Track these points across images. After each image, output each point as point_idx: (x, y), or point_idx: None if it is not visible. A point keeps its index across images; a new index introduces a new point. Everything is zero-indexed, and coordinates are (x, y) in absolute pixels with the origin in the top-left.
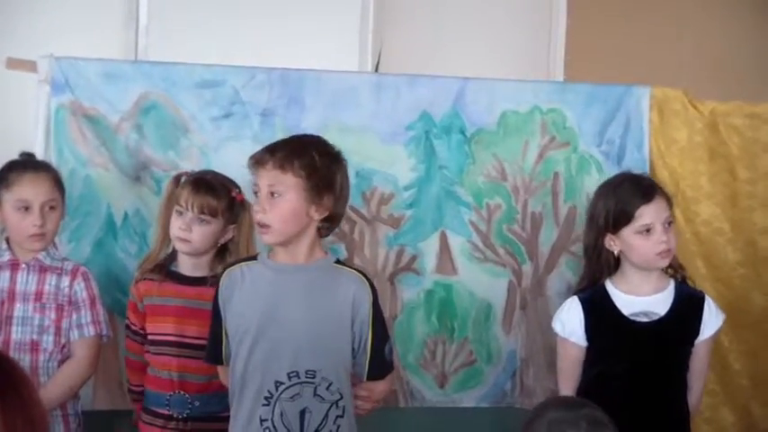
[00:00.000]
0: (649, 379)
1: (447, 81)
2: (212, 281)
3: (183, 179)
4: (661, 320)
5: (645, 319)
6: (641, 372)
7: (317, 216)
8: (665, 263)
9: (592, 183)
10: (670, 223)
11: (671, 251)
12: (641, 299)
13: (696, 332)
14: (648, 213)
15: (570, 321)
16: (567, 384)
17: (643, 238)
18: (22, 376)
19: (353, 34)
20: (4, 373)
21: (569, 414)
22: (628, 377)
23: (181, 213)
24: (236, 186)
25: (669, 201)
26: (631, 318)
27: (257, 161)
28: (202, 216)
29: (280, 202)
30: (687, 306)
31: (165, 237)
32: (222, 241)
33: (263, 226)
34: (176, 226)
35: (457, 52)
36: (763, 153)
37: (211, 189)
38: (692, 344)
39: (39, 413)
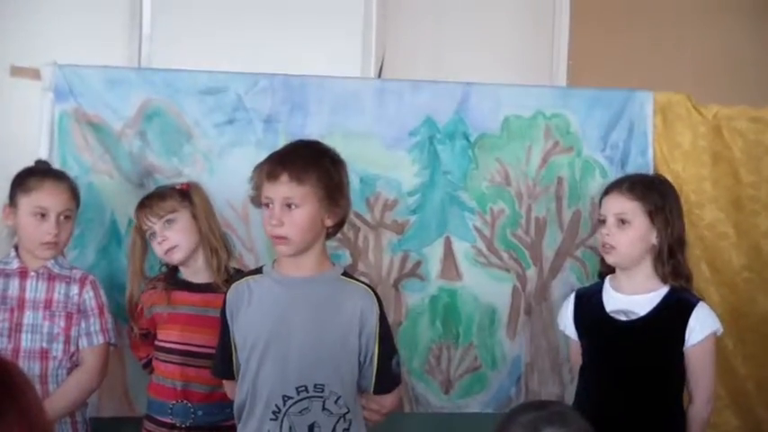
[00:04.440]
0: (629, 378)
1: (450, 86)
2: (223, 285)
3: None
4: (639, 321)
5: (623, 318)
6: (620, 370)
7: (329, 223)
8: (608, 259)
9: (595, 187)
10: (623, 221)
11: (614, 248)
12: (624, 297)
13: (680, 338)
14: (604, 205)
15: (565, 315)
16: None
17: (601, 228)
18: (22, 384)
19: (356, 40)
20: (1, 381)
21: (540, 413)
22: (608, 374)
23: (152, 234)
24: (178, 183)
25: (641, 199)
26: (611, 315)
27: (270, 174)
28: (166, 217)
29: (297, 214)
30: (672, 311)
31: (140, 279)
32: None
33: (280, 238)
34: (157, 248)
35: (460, 58)
36: (766, 156)
37: (155, 195)
38: (675, 349)
39: (39, 422)
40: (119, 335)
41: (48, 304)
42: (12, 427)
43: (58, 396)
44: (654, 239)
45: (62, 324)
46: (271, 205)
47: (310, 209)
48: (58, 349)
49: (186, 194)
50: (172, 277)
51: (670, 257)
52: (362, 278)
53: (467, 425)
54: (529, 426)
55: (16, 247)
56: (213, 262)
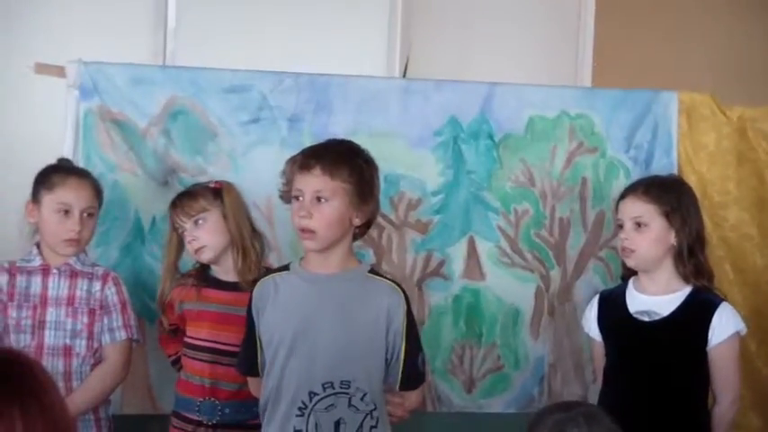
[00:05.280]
0: (653, 379)
1: (475, 86)
2: (247, 285)
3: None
4: (662, 321)
5: (646, 318)
6: (644, 371)
7: (357, 222)
8: (628, 262)
9: (620, 188)
10: (640, 224)
11: (633, 252)
12: (647, 298)
13: (703, 338)
14: (620, 209)
15: (589, 316)
16: (600, 380)
17: (620, 233)
18: (45, 381)
19: (381, 39)
20: (24, 379)
21: (567, 414)
22: (632, 375)
23: (184, 233)
24: (212, 182)
25: (657, 201)
26: (635, 316)
27: (302, 166)
28: (196, 217)
29: (326, 208)
30: (695, 311)
31: (172, 274)
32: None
33: (306, 231)
34: (188, 246)
35: (485, 57)
36: None
37: (186, 194)
38: (699, 350)
39: (62, 419)
40: (142, 332)
41: (70, 301)
42: (35, 424)
43: (81, 392)
44: (672, 240)
45: (85, 320)
46: (301, 198)
47: (339, 204)
48: (81, 346)
49: (218, 193)
50: (203, 274)
51: (690, 257)
52: (389, 275)
53: (489, 424)
54: (555, 427)
55: (38, 245)
56: (239, 262)
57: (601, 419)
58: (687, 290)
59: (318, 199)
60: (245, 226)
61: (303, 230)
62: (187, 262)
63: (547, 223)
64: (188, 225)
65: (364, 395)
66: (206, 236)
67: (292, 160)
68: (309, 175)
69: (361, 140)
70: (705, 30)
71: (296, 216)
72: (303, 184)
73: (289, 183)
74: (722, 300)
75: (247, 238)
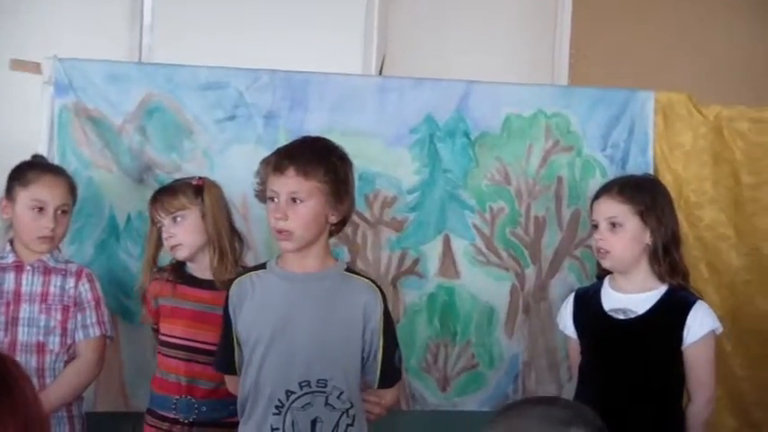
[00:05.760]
0: (627, 377)
1: (451, 84)
2: (222, 285)
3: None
4: (637, 319)
5: (621, 316)
6: (618, 369)
7: (333, 220)
8: (604, 263)
9: (595, 187)
10: (615, 224)
11: (608, 252)
12: (622, 296)
13: (678, 337)
14: (595, 210)
15: (564, 314)
16: (575, 378)
17: (594, 233)
18: (16, 377)
19: (358, 37)
20: None
21: (553, 407)
22: (606, 373)
23: (162, 228)
24: (195, 178)
25: (631, 201)
26: (610, 313)
27: (276, 167)
28: (174, 214)
29: (301, 209)
30: (670, 309)
31: (151, 269)
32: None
33: (283, 232)
34: (164, 243)
35: (461, 55)
36: (767, 158)
37: (167, 190)
38: (673, 348)
39: (34, 415)
40: (115, 329)
41: (44, 297)
42: (6, 420)
43: (54, 388)
44: (647, 239)
45: (58, 317)
46: (276, 199)
47: (315, 204)
48: (54, 342)
49: (199, 191)
50: (178, 270)
51: (665, 255)
52: (366, 273)
53: (463, 423)
54: (560, 421)
55: (11, 242)
56: (214, 262)
57: (592, 414)
58: (663, 288)
59: (294, 200)
60: (223, 226)
61: (279, 231)
62: (167, 256)
63: (522, 222)
64: (166, 221)
65: (341, 393)
66: (182, 234)
67: (266, 161)
68: (284, 177)
69: (337, 138)
70: (683, 28)
71: (272, 218)
72: (278, 186)
73: (263, 183)
74: (698, 298)
75: (225, 238)
